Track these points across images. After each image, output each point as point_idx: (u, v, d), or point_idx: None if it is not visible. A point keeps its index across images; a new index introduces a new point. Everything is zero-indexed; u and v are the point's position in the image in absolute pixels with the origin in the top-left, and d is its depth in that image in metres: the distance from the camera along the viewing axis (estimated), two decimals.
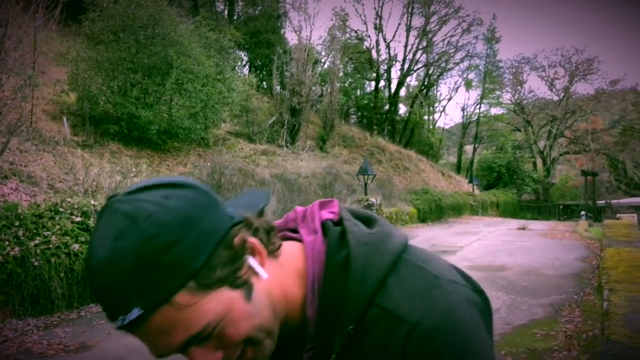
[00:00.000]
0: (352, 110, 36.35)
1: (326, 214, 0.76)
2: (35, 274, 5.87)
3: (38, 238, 6.12)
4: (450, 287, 0.68)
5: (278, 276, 0.70)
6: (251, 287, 0.66)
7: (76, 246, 6.35)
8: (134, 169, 9.89)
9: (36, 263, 5.87)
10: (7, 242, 5.84)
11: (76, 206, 6.91)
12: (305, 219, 0.77)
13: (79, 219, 6.71)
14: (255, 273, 0.67)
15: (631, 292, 4.33)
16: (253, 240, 0.67)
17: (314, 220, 0.75)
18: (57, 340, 5.10)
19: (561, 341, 5.17)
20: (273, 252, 0.71)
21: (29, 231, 6.14)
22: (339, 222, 0.75)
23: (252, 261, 0.66)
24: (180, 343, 0.62)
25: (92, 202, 7.17)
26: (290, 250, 0.73)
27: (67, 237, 6.39)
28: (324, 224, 0.74)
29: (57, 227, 6.42)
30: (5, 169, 8.70)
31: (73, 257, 6.27)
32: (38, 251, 5.97)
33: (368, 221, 0.76)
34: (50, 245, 6.13)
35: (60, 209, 6.74)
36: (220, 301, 0.62)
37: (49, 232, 6.28)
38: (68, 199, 7.09)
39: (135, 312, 0.58)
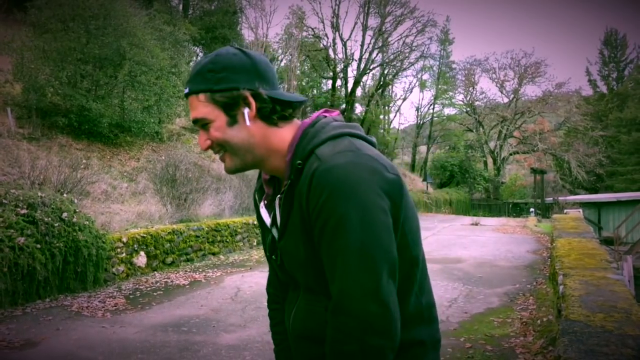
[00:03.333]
0: (309, 108, 36.25)
1: (322, 114, 1.23)
2: None
3: None
4: (364, 155, 1.06)
5: (266, 132, 1.15)
6: (236, 121, 1.13)
7: (21, 239, 6.01)
8: (84, 161, 9.50)
9: None
10: None
11: (21, 198, 6.54)
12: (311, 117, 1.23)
13: (24, 211, 6.35)
14: (243, 119, 1.13)
15: (584, 277, 4.44)
16: (252, 102, 1.12)
17: (312, 116, 1.22)
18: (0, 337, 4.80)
19: (517, 327, 5.29)
20: (269, 120, 1.15)
21: None
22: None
23: (245, 111, 1.13)
24: (195, 117, 1.14)
25: (39, 194, 6.81)
26: (294, 128, 1.19)
27: (12, 230, 6.03)
28: (317, 117, 1.21)
29: (0, 219, 6.06)
30: None
31: (18, 251, 5.93)
32: None
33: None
34: None
35: (4, 201, 6.36)
36: (215, 114, 1.12)
37: None
38: (13, 190, 6.71)
39: (187, 90, 1.15)
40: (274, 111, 1.14)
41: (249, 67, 1.12)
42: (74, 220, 6.80)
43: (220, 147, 1.14)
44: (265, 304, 1.46)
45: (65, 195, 7.51)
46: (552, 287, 6.63)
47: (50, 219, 6.49)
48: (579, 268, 4.92)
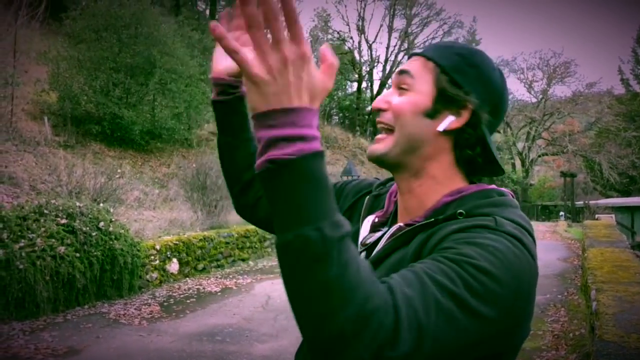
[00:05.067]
0: (334, 111, 36.42)
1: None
2: (20, 277, 5.75)
3: (23, 241, 6.00)
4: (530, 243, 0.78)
5: (440, 155, 0.90)
6: (433, 116, 0.88)
7: (62, 249, 6.24)
8: (119, 170, 9.79)
9: (21, 266, 5.75)
10: None
11: (61, 208, 6.79)
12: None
13: (64, 221, 6.59)
14: (441, 121, 0.88)
15: (618, 292, 4.41)
16: (465, 117, 0.88)
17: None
18: (44, 344, 5.01)
19: (549, 341, 5.27)
20: (460, 148, 0.90)
21: (14, 233, 6.02)
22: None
23: (451, 118, 0.88)
24: (406, 70, 0.91)
25: (78, 203, 7.05)
26: (464, 178, 0.93)
27: (53, 240, 6.27)
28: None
29: (42, 229, 6.30)
30: None
31: (59, 260, 6.16)
32: (23, 254, 5.85)
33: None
34: (36, 248, 6.01)
35: (45, 211, 6.61)
36: (425, 90, 0.89)
37: (33, 235, 6.16)
38: (53, 201, 6.96)
39: (422, 51, 0.94)
40: (472, 147, 0.89)
41: (496, 88, 0.91)
42: (110, 229, 7.02)
43: (393, 118, 0.90)
44: None
45: (101, 204, 7.76)
46: (584, 299, 6.57)
47: (88, 228, 6.72)
48: (612, 282, 4.88)
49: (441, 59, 0.89)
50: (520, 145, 39.78)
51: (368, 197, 1.05)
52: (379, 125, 0.92)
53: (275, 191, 0.61)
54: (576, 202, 27.41)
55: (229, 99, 1.07)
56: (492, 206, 0.83)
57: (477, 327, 0.67)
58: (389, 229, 0.93)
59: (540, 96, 38.95)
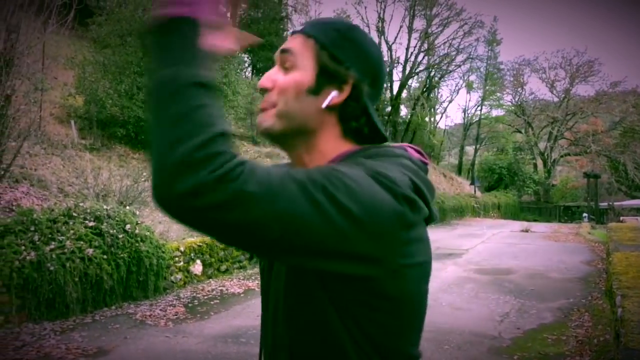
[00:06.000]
0: None
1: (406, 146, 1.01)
2: (51, 278, 5.92)
3: (53, 243, 6.18)
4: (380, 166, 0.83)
5: (326, 128, 0.93)
6: (317, 92, 0.90)
7: (90, 251, 6.41)
8: (144, 173, 9.97)
9: (52, 268, 5.93)
10: (23, 247, 5.91)
11: (89, 211, 6.96)
12: None
13: (92, 223, 6.76)
14: (325, 97, 0.91)
15: None
16: (347, 91, 0.91)
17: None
18: (74, 344, 5.16)
19: (572, 346, 5.24)
20: (344, 121, 0.93)
21: (44, 236, 6.20)
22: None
23: (334, 93, 0.91)
24: (287, 48, 0.95)
25: (105, 206, 7.22)
26: (351, 147, 0.95)
27: (81, 242, 6.44)
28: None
29: (72, 231, 6.48)
30: (16, 173, 8.76)
31: (87, 262, 6.33)
32: (53, 256, 6.02)
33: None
34: (65, 250, 6.19)
35: (74, 214, 6.79)
36: (307, 67, 0.91)
37: (63, 237, 6.34)
38: (81, 204, 7.14)
39: (299, 29, 0.96)
40: (357, 119, 0.93)
41: (373, 61, 0.95)
42: (136, 231, 7.18)
43: (277, 96, 0.92)
44: None
45: (127, 207, 7.93)
46: (608, 304, 6.51)
47: (115, 230, 6.88)
48: (638, 288, 4.85)
49: (320, 35, 0.92)
50: (542, 145, 39.35)
51: None
52: (262, 106, 0.95)
53: (157, 44, 0.75)
54: (600, 203, 26.97)
55: None
56: (365, 157, 0.88)
57: (340, 218, 0.71)
58: None
59: (563, 96, 38.47)
